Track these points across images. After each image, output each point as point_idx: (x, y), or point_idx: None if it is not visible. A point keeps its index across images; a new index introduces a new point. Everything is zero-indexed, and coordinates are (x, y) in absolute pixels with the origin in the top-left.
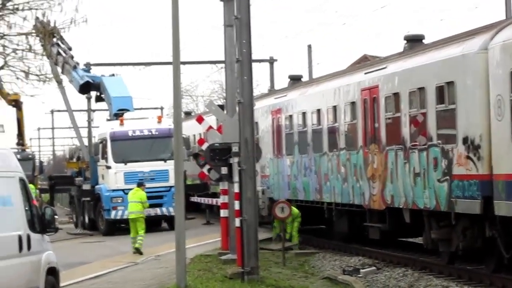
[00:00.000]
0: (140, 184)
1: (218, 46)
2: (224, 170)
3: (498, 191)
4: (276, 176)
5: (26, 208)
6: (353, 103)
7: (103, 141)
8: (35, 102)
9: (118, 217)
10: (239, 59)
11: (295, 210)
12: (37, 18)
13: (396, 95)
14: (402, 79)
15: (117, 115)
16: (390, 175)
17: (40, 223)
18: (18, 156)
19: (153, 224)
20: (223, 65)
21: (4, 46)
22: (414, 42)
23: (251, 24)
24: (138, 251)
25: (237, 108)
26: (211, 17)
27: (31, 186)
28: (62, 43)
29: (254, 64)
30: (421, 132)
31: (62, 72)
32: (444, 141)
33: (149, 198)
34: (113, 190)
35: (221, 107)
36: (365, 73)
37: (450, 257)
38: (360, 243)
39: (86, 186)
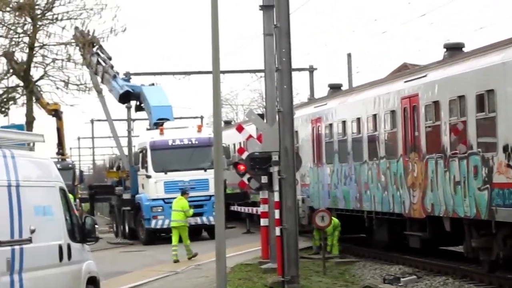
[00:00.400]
0: (183, 193)
1: (258, 55)
2: (264, 179)
3: None
4: (316, 185)
5: (67, 218)
6: (393, 112)
7: (143, 151)
8: (75, 111)
9: (158, 226)
10: (279, 68)
11: (335, 220)
12: (76, 27)
13: (436, 103)
14: (442, 87)
15: (157, 124)
16: (430, 183)
17: (81, 232)
18: (58, 165)
19: (194, 233)
20: (262, 74)
21: (43, 56)
22: (454, 50)
23: (290, 33)
24: (192, 256)
25: (277, 117)
26: (251, 26)
27: (70, 196)
28: (102, 52)
29: (293, 73)
30: (461, 141)
31: (102, 82)
32: (484, 149)
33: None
34: (153, 200)
35: (261, 116)
36: (405, 82)
37: (490, 265)
38: (401, 252)
39: (126, 196)
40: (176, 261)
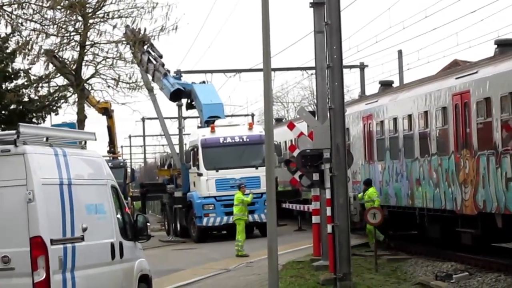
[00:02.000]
0: (239, 187)
1: (308, 53)
2: (315, 176)
3: None
4: None
5: (118, 216)
6: (444, 108)
7: (194, 148)
8: (126, 109)
9: (210, 224)
10: (330, 65)
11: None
12: (127, 26)
13: (488, 100)
14: (493, 84)
15: (208, 122)
16: (482, 180)
17: (132, 230)
18: (110, 164)
19: (246, 231)
20: (313, 71)
21: (94, 54)
22: (505, 47)
23: (341, 30)
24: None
25: (328, 114)
26: (302, 23)
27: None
28: (153, 50)
29: (344, 70)
30: None
31: (153, 80)
32: None
33: None
34: (205, 197)
35: (312, 113)
36: (456, 78)
37: None
38: (452, 249)
39: (178, 193)
40: (240, 256)
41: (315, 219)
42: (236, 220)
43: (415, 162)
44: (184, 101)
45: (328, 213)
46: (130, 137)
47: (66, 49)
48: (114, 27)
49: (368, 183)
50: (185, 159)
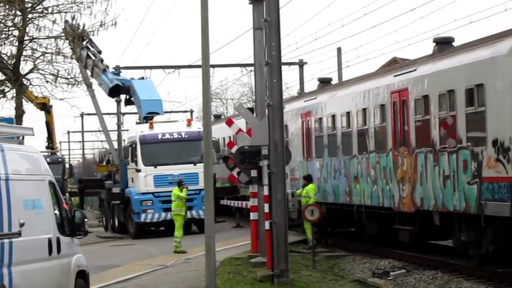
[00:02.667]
0: (178, 184)
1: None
2: (253, 173)
3: None
4: None
5: (56, 212)
6: (382, 106)
7: (132, 144)
8: (65, 105)
9: (148, 220)
10: (269, 62)
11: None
12: (66, 21)
13: (426, 97)
14: (432, 82)
15: (147, 118)
16: (420, 177)
17: (70, 226)
18: (48, 159)
19: (184, 227)
20: (252, 68)
21: (33, 49)
22: (444, 45)
23: (280, 27)
24: (178, 252)
25: (266, 111)
26: (241, 20)
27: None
28: (92, 46)
29: (283, 67)
30: (451, 135)
31: (92, 76)
32: (474, 143)
33: None
34: (143, 193)
35: (251, 110)
36: (395, 76)
37: (480, 259)
38: (390, 246)
39: (116, 189)
40: (178, 252)
41: (253, 215)
42: (174, 216)
43: (353, 159)
44: (122, 97)
45: (266, 209)
46: (68, 132)
47: (4, 44)
48: (54, 22)
49: (308, 178)
50: (124, 155)
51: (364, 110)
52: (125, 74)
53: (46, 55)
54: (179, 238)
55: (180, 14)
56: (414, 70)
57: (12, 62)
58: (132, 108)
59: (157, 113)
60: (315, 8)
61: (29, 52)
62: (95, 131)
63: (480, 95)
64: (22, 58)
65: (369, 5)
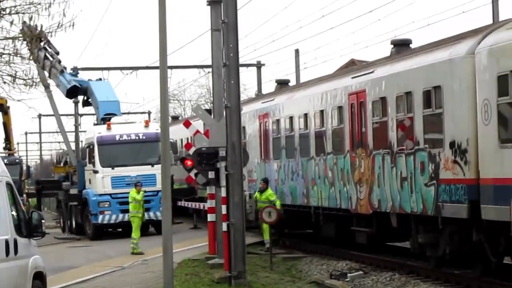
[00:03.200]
0: (135, 185)
1: (206, 50)
2: (211, 175)
3: (485, 195)
4: None
5: (13, 213)
6: (340, 108)
7: (90, 146)
8: (22, 106)
9: (105, 222)
10: (226, 63)
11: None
12: (24, 22)
13: (383, 99)
14: (389, 84)
15: (104, 119)
16: (377, 179)
17: (27, 227)
18: (5, 160)
19: (142, 229)
20: (210, 69)
21: None
22: (401, 47)
23: (238, 28)
24: (135, 253)
25: (224, 113)
26: (199, 21)
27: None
28: (49, 47)
29: (241, 69)
30: (408, 137)
31: (49, 77)
32: (431, 145)
33: None
34: (100, 195)
35: (208, 111)
36: (352, 78)
37: (437, 261)
38: (347, 248)
39: (73, 191)
40: (135, 253)
41: (210, 217)
42: (131, 218)
43: (310, 161)
44: (80, 98)
45: (224, 211)
46: (26, 134)
47: None
48: (11, 23)
49: (267, 181)
50: (81, 156)
51: (322, 111)
52: (83, 75)
53: (3, 56)
54: (136, 240)
55: (138, 15)
56: (372, 72)
57: None
58: (89, 109)
59: (114, 114)
60: (273, 9)
61: None
62: (53, 132)
63: (437, 97)
64: None
65: (327, 6)
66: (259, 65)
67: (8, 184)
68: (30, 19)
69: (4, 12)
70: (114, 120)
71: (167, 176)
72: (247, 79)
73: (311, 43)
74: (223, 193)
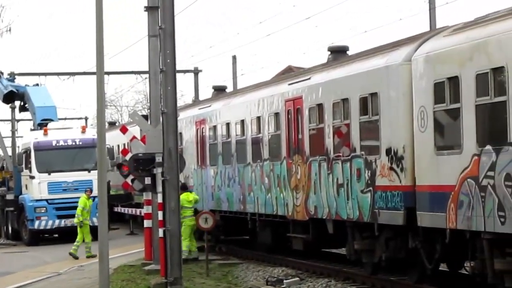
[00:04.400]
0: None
1: (143, 57)
2: (147, 180)
3: (421, 202)
4: (200, 186)
5: None
6: (277, 114)
7: (27, 151)
8: None
9: (42, 227)
10: (163, 69)
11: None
12: None
13: (320, 106)
14: (326, 90)
15: (41, 125)
16: (314, 186)
17: None
18: None
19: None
20: (147, 75)
21: None
22: (338, 53)
23: (175, 35)
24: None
25: (161, 119)
26: (137, 27)
27: None
28: None
29: (178, 75)
30: (345, 143)
31: None
32: (368, 152)
33: (72, 208)
34: (37, 200)
35: (145, 117)
36: (289, 84)
37: (373, 268)
38: (284, 254)
39: (10, 196)
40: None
41: (146, 223)
42: (85, 224)
43: (247, 167)
44: (17, 103)
45: (160, 217)
46: None
47: None
48: None
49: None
50: (18, 162)
51: (259, 118)
52: (20, 81)
53: None
54: (90, 243)
55: (76, 21)
56: (309, 78)
57: None
58: (26, 115)
59: (51, 120)
60: (211, 16)
61: None
62: None
63: (374, 103)
64: None
65: (264, 13)
66: (196, 71)
67: None
68: None
69: None
70: (51, 125)
71: (103, 182)
72: (184, 85)
73: (249, 49)
74: (160, 199)
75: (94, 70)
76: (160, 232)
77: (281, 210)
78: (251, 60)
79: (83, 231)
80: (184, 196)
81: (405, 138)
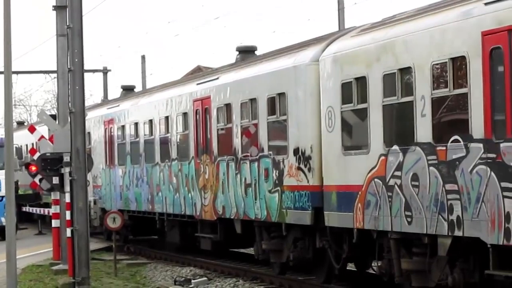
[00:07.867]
0: None
1: (52, 56)
2: (55, 180)
3: (329, 202)
4: (108, 186)
5: None
6: (185, 114)
7: None
8: None
9: None
10: (71, 68)
11: None
12: None
13: (228, 106)
14: (234, 90)
15: None
16: (222, 186)
17: None
18: None
19: None
20: (56, 74)
21: None
22: (247, 54)
23: (83, 34)
24: None
25: (69, 118)
26: (45, 26)
27: None
28: None
29: (87, 74)
30: (253, 143)
31: None
32: (276, 152)
33: None
34: None
35: (54, 117)
36: (197, 84)
37: (281, 267)
38: (192, 254)
39: None
40: None
41: (54, 223)
42: None
43: (155, 167)
44: None
45: (68, 217)
46: None
47: None
48: None
49: None
50: None
51: (167, 118)
52: None
53: None
54: None
55: None
56: (217, 78)
57: None
58: None
59: None
60: (119, 16)
61: None
62: None
63: (282, 103)
64: None
65: (172, 13)
66: (105, 71)
67: None
68: None
69: None
70: None
71: (11, 181)
72: (93, 84)
73: (157, 49)
74: (67, 198)
75: (2, 69)
76: (68, 232)
77: (189, 210)
78: (160, 59)
79: None
80: None
81: (313, 138)
